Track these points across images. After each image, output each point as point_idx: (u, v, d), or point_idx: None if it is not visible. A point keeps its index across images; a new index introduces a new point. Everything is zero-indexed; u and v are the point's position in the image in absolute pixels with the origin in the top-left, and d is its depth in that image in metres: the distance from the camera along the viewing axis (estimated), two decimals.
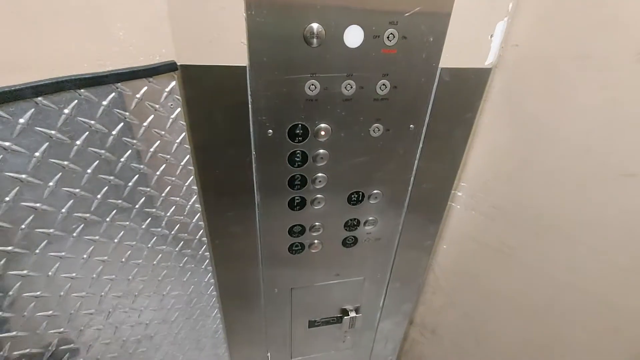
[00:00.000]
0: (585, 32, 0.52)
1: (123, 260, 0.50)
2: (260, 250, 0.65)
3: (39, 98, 0.35)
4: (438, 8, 0.48)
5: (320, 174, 0.59)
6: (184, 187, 0.53)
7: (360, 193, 0.63)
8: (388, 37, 0.49)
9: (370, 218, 0.67)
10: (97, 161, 0.42)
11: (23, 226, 0.38)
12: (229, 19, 0.43)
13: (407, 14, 0.47)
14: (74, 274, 0.45)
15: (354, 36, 0.48)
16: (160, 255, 0.55)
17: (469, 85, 0.57)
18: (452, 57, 0.53)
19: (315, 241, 0.67)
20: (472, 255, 0.74)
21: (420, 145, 0.60)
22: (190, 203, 0.55)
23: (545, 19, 0.54)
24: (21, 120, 0.35)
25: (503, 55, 0.58)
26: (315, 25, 0.46)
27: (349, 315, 0.82)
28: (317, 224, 0.65)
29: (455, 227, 0.76)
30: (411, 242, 0.74)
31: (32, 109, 0.35)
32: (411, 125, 0.58)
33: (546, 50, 0.55)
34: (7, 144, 0.35)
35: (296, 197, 0.60)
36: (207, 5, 0.42)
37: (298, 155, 0.56)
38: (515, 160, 0.63)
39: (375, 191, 0.64)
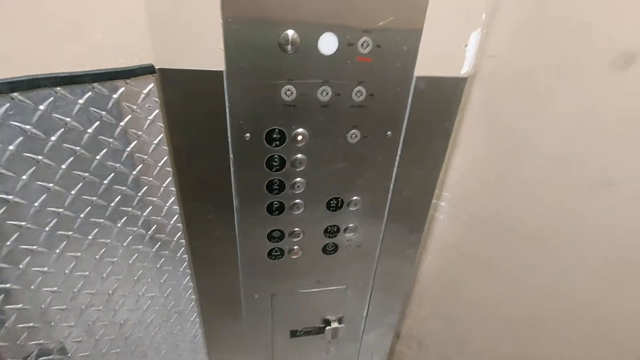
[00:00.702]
0: (558, 43, 0.53)
1: (97, 257, 0.51)
2: (239, 255, 0.65)
3: (15, 94, 0.37)
4: (411, 18, 0.50)
5: (298, 179, 0.59)
6: (162, 188, 0.54)
7: (340, 199, 0.63)
8: (362, 45, 0.50)
9: (351, 225, 0.67)
10: (72, 158, 0.43)
11: None
12: (206, 24, 0.45)
13: (380, 23, 0.49)
14: (45, 269, 0.46)
15: (328, 43, 0.49)
16: (136, 254, 0.55)
17: (446, 94, 0.58)
18: (427, 65, 0.54)
19: (295, 247, 0.67)
20: (455, 264, 0.73)
21: (399, 152, 0.61)
22: (168, 204, 0.56)
23: (520, 30, 0.55)
24: None
25: (480, 65, 0.60)
26: (290, 32, 0.47)
27: (331, 325, 0.81)
28: (296, 229, 0.65)
29: (439, 237, 0.75)
30: (393, 251, 0.73)
31: (7, 104, 0.37)
32: (388, 132, 0.58)
33: (521, 61, 0.57)
34: None
35: (275, 202, 0.61)
36: (184, 10, 0.44)
37: (276, 159, 0.57)
38: (494, 171, 0.63)
39: (354, 198, 0.64)
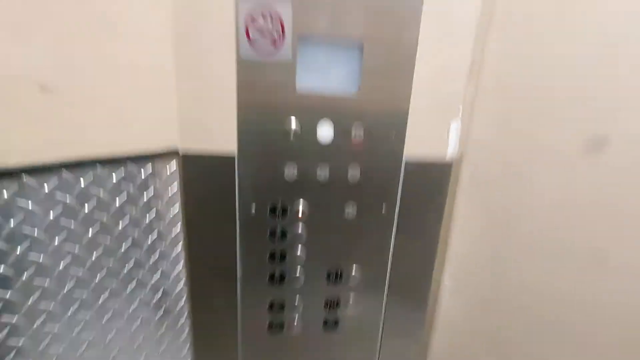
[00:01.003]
0: (532, 130, 0.59)
1: (103, 322, 0.53)
2: (239, 326, 0.66)
3: (63, 170, 0.45)
4: (397, 110, 0.58)
5: (299, 251, 0.63)
6: (172, 256, 0.59)
7: (339, 271, 0.66)
8: (355, 133, 0.58)
9: (351, 298, 0.68)
10: (98, 226, 0.50)
11: (24, 277, 0.45)
12: (224, 117, 0.55)
13: (369, 113, 0.58)
14: (55, 330, 0.49)
15: (325, 130, 0.58)
16: (139, 321, 0.58)
17: (434, 176, 0.63)
18: (414, 150, 0.61)
19: (296, 322, 0.67)
20: (464, 344, 0.70)
21: (394, 227, 0.65)
22: (175, 272, 0.60)
23: (497, 119, 0.63)
24: (46, 188, 0.44)
25: (466, 149, 0.66)
26: (292, 121, 0.56)
27: None
28: (297, 301, 0.66)
29: (445, 316, 0.73)
30: (396, 328, 0.71)
31: (56, 179, 0.45)
32: (383, 209, 0.63)
33: (502, 146, 0.63)
34: (31, 206, 0.44)
35: (276, 272, 0.64)
36: (206, 106, 0.54)
37: (278, 231, 0.62)
38: (491, 248, 0.65)
39: (354, 270, 0.66)
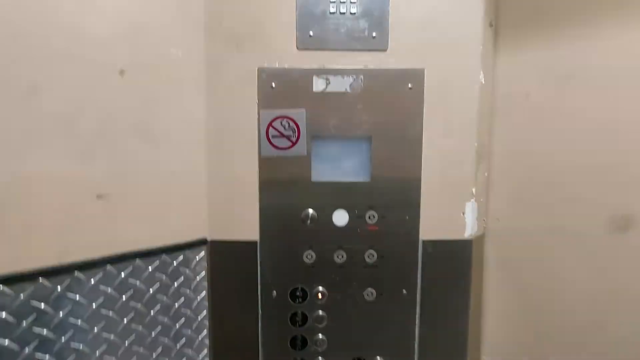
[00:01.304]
0: (554, 207, 0.58)
1: None
2: None
3: (108, 265, 0.52)
4: (409, 194, 0.61)
5: (320, 336, 0.63)
6: (197, 341, 0.61)
7: (362, 359, 0.63)
8: (369, 217, 0.61)
9: None
10: (133, 313, 0.54)
11: None
12: (247, 211, 0.61)
13: (382, 199, 0.61)
14: None
15: (340, 217, 0.61)
16: None
17: (455, 255, 0.63)
18: (430, 231, 0.61)
19: None
20: None
21: (418, 311, 0.63)
22: (200, 357, 0.62)
23: (516, 197, 0.63)
24: (92, 281, 0.51)
25: (488, 227, 0.66)
26: (309, 210, 0.61)
27: None
28: None
29: None
30: None
31: (101, 273, 0.51)
32: (404, 291, 0.62)
33: (523, 223, 0.62)
34: (77, 297, 0.50)
35: (298, 359, 0.63)
36: (232, 199, 0.61)
37: (299, 315, 0.62)
38: (528, 329, 0.60)
39: (377, 357, 0.63)
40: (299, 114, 0.59)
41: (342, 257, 0.61)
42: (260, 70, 0.59)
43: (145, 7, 0.53)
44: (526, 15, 0.60)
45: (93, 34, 0.49)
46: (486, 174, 0.65)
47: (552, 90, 0.58)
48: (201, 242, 0.60)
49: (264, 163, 0.60)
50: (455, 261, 0.63)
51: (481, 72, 0.60)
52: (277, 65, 0.59)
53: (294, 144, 0.60)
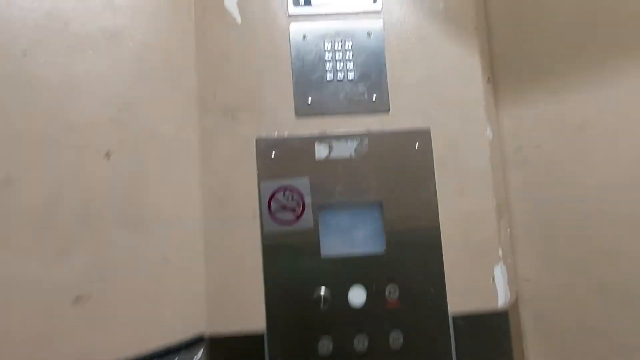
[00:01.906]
0: (588, 262, 0.52)
1: None
2: None
3: None
4: (430, 263, 0.55)
5: None
6: None
7: None
8: (389, 292, 0.54)
9: None
10: None
11: None
12: (251, 297, 0.53)
13: (402, 271, 0.54)
14: None
15: (357, 295, 0.54)
16: None
17: (491, 328, 0.55)
18: (459, 302, 0.54)
19: None
20: None
21: None
22: None
23: (543, 253, 0.57)
24: None
25: (520, 290, 0.59)
26: (321, 291, 0.53)
27: None
28: None
29: None
30: None
31: None
32: None
33: (557, 280, 0.55)
34: None
35: None
36: (233, 285, 0.53)
37: None
38: None
39: None
40: (303, 183, 0.55)
41: (364, 343, 0.53)
42: (259, 140, 0.55)
43: (136, 84, 0.50)
44: (523, 69, 0.59)
45: (78, 116, 0.45)
46: (509, 230, 0.60)
47: (564, 140, 0.55)
48: (198, 340, 0.51)
49: (268, 240, 0.54)
50: (492, 336, 0.55)
51: (488, 126, 0.58)
52: (276, 135, 0.56)
53: (299, 216, 0.54)
